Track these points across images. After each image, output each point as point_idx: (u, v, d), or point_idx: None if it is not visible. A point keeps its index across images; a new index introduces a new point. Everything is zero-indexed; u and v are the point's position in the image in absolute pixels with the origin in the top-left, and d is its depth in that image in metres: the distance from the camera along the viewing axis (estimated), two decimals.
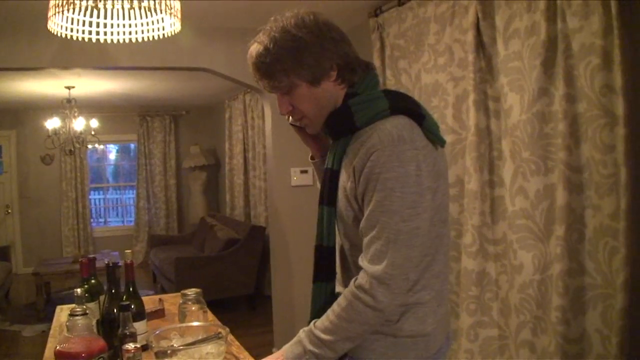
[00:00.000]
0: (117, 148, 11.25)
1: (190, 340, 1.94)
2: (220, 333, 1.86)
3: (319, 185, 1.85)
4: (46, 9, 3.43)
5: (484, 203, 3.05)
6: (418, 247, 1.44)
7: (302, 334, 1.54)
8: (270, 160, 4.85)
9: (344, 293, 1.48)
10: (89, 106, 8.44)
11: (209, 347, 1.85)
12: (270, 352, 1.82)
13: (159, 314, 2.57)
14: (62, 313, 2.88)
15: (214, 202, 10.34)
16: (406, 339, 1.53)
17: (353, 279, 1.48)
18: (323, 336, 1.48)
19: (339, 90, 1.56)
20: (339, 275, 1.66)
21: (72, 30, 2.22)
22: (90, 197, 10.28)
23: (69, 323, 1.65)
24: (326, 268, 1.59)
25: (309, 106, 1.56)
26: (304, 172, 4.74)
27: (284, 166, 4.74)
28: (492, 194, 3.06)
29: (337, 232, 1.60)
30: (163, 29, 2.29)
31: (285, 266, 4.83)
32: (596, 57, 2.43)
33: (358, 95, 1.54)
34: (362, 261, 1.45)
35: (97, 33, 2.26)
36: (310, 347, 1.50)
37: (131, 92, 8.24)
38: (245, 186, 8.08)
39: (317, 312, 1.58)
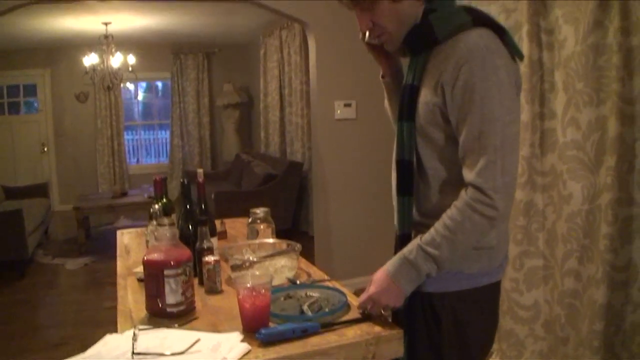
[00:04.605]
0: (145, 87, 11.20)
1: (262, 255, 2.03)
2: (295, 246, 1.95)
3: (387, 103, 1.89)
4: None
5: (534, 135, 3.08)
6: (517, 152, 1.50)
7: (408, 254, 1.55)
8: (314, 94, 4.86)
9: (457, 207, 1.49)
10: (123, 43, 8.46)
11: (284, 261, 1.95)
12: None
13: (222, 235, 2.67)
14: (123, 236, 3.02)
15: (247, 140, 10.41)
16: (471, 250, 1.59)
17: (463, 191, 1.49)
18: (434, 252, 1.50)
19: (418, 7, 1.58)
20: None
21: None
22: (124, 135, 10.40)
23: (157, 233, 1.74)
24: (408, 181, 1.64)
25: (390, 22, 1.58)
26: (347, 105, 4.77)
27: (328, 99, 4.76)
28: (542, 126, 3.09)
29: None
30: None
31: (327, 199, 4.91)
32: None
33: (437, 10, 1.56)
34: (469, 173, 1.48)
35: None
36: (422, 264, 1.52)
37: (166, 28, 8.25)
38: (281, 123, 8.11)
39: (404, 224, 1.65)
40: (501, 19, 3.23)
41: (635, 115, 2.58)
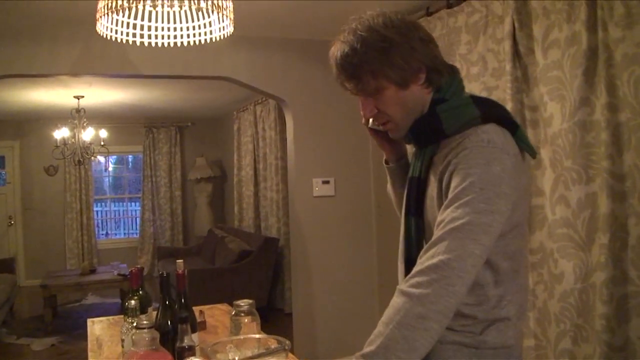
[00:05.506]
0: (115, 159, 11.13)
1: (248, 353, 1.90)
2: (285, 344, 1.82)
3: (390, 188, 1.80)
4: (68, 15, 3.37)
5: None
6: (481, 246, 1.31)
7: None
8: (292, 171, 4.81)
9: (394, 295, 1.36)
10: (95, 117, 8.39)
11: None
12: None
13: (202, 326, 2.52)
14: (94, 326, 2.84)
15: (220, 214, 10.30)
16: (488, 350, 1.48)
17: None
18: (363, 351, 1.30)
19: (426, 95, 1.50)
20: None
21: (116, 32, 2.18)
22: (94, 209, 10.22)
23: (135, 337, 1.59)
24: None
25: (396, 110, 1.49)
26: (325, 182, 4.72)
27: (306, 177, 4.71)
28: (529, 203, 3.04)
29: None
30: (211, 33, 2.23)
31: (307, 278, 4.80)
32: (639, 66, 2.43)
33: (446, 101, 1.48)
34: (420, 256, 1.35)
35: (142, 36, 2.21)
36: None
37: (138, 102, 8.23)
38: (256, 198, 8.01)
39: None
40: None
41: (627, 192, 2.55)
